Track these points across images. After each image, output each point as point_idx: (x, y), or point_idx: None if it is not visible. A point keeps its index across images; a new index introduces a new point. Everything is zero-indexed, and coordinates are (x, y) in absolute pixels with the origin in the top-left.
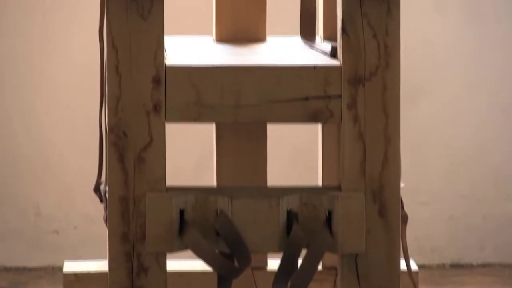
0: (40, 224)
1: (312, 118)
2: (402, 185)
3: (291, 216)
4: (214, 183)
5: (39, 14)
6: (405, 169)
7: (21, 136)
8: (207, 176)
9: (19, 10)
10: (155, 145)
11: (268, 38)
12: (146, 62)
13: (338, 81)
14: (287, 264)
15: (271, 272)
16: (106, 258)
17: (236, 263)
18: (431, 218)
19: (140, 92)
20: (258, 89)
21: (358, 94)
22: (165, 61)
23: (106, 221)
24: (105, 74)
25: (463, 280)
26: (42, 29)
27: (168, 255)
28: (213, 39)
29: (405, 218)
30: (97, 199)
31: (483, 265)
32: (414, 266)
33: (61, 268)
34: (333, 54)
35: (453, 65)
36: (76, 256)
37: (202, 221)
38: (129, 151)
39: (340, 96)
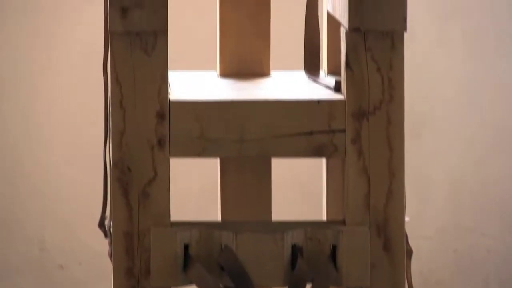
0: (45, 259)
1: (316, 152)
2: (406, 219)
3: (295, 251)
4: (218, 216)
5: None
6: (409, 202)
7: (27, 170)
8: (212, 208)
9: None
10: (159, 180)
11: (272, 72)
12: (150, 96)
13: (342, 115)
14: None
15: None
16: None
17: None
18: (436, 252)
19: (144, 127)
20: (262, 124)
21: (362, 128)
22: (169, 95)
23: (110, 256)
24: (109, 109)
25: None
26: (43, 49)
27: None
28: (217, 74)
29: (410, 252)
30: (101, 234)
31: None
32: None
33: None
34: (337, 88)
35: (456, 98)
36: None
37: (206, 255)
38: (134, 186)
39: (344, 131)
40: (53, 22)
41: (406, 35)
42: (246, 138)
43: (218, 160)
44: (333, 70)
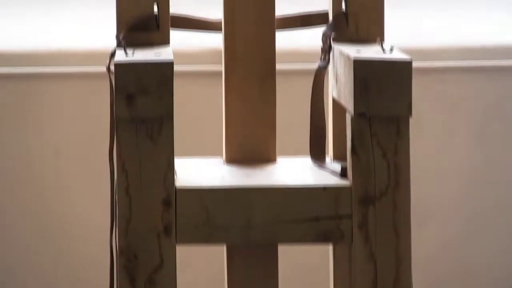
0: None
1: (323, 238)
2: None
3: None
4: None
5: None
6: None
7: (33, 264)
8: None
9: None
10: (165, 267)
11: (278, 158)
12: (156, 184)
13: (348, 201)
14: None
15: None
16: None
17: None
18: None
19: (151, 214)
20: (269, 210)
21: (368, 214)
22: (175, 182)
23: None
24: (115, 196)
25: None
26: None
27: None
28: (223, 160)
29: None
30: None
31: None
32: None
33: None
34: (343, 174)
35: (462, 187)
36: None
37: None
38: (140, 274)
39: (350, 216)
40: (58, 113)
41: (411, 121)
42: (252, 225)
43: (225, 246)
44: (339, 156)
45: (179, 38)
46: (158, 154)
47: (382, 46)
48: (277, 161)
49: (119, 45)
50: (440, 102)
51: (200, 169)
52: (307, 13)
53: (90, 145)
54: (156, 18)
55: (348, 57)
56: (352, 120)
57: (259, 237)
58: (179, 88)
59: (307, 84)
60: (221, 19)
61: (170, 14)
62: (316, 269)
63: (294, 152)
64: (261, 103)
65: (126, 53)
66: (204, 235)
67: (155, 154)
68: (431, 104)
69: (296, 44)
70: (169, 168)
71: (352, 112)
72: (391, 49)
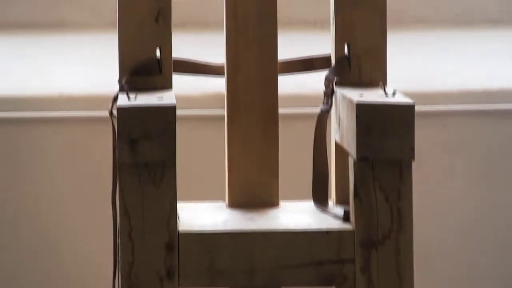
0: None
1: (325, 282)
2: None
3: None
4: None
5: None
6: None
7: None
8: None
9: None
10: None
11: (281, 203)
12: (159, 228)
13: (351, 245)
14: None
15: None
16: None
17: None
18: None
19: (153, 258)
20: (272, 254)
21: (371, 258)
22: (178, 227)
23: None
24: (118, 240)
25: None
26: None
27: None
28: (226, 205)
29: None
30: None
31: None
32: None
33: None
34: (346, 218)
35: (463, 229)
36: None
37: None
38: None
39: (353, 260)
40: (61, 158)
41: (413, 165)
42: (255, 269)
43: None
44: (342, 199)
45: (181, 82)
46: (161, 199)
47: (384, 90)
48: (280, 205)
49: (121, 89)
50: (442, 146)
51: (202, 214)
52: (310, 57)
53: (93, 190)
54: (158, 62)
55: (350, 100)
56: (355, 164)
57: (263, 281)
58: (181, 133)
59: (310, 128)
60: (223, 63)
61: (173, 58)
62: None
63: (296, 196)
64: (263, 147)
65: (128, 97)
66: (207, 279)
67: (158, 198)
68: (433, 148)
69: (298, 88)
70: (172, 213)
71: (355, 156)
72: (394, 93)
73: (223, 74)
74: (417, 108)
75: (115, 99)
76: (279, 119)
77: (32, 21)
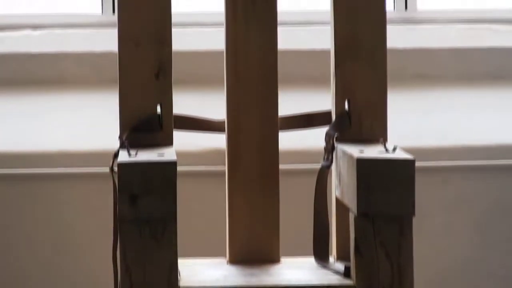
0: None
1: None
2: None
3: None
4: None
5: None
6: None
7: None
8: None
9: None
10: None
11: (282, 259)
12: (160, 284)
13: None
14: None
15: None
16: None
17: None
18: None
19: None
20: None
21: None
22: (179, 283)
23: None
24: None
25: None
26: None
27: None
28: (227, 261)
29: None
30: None
31: None
32: None
33: None
34: (347, 273)
35: (464, 283)
36: None
37: None
38: None
39: None
40: (61, 214)
41: (414, 220)
42: None
43: None
44: (343, 255)
45: (182, 139)
46: (162, 255)
47: (385, 146)
48: (280, 261)
49: (122, 145)
50: (442, 201)
51: (203, 270)
52: (310, 113)
53: (93, 246)
54: (159, 118)
55: (351, 156)
56: (355, 219)
57: None
58: (182, 189)
59: (310, 184)
60: (224, 120)
61: (174, 114)
62: None
63: (297, 252)
64: (264, 204)
65: (129, 153)
66: None
67: (159, 254)
68: (433, 203)
69: (299, 144)
70: (173, 269)
71: (355, 211)
72: (394, 149)
73: (224, 130)
74: (417, 164)
75: (116, 155)
76: (280, 175)
77: (32, 77)
